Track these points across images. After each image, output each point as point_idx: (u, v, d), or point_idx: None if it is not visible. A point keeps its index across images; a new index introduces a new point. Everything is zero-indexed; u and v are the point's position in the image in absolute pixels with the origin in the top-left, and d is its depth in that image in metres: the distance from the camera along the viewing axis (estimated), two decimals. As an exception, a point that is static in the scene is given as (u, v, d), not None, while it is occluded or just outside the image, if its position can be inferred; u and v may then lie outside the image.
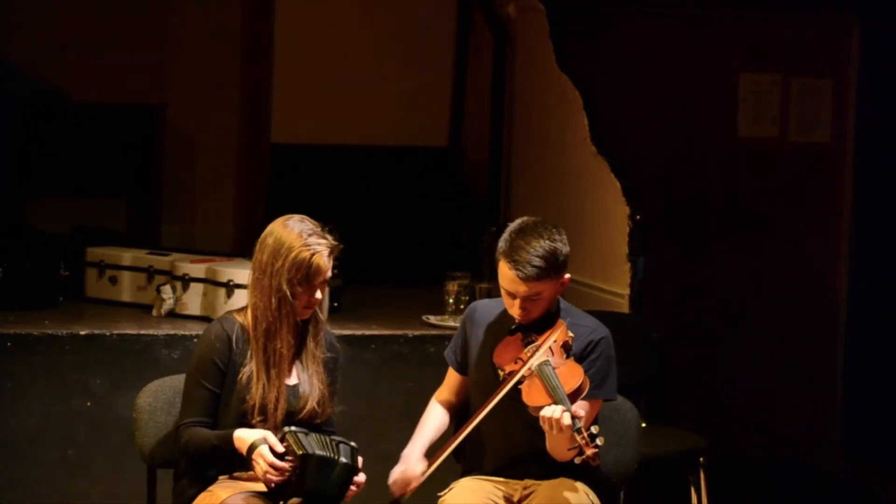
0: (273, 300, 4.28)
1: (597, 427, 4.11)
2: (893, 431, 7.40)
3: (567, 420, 4.09)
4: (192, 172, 7.88)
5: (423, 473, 4.45)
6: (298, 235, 4.28)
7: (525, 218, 4.40)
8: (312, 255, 4.26)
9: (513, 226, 4.37)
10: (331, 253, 4.32)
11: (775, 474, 7.42)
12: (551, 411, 4.11)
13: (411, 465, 4.47)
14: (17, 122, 7.30)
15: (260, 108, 7.87)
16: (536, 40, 7.14)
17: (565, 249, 4.34)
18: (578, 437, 4.09)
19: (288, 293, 4.26)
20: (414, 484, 4.44)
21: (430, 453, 4.53)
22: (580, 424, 4.10)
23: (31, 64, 7.51)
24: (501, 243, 4.35)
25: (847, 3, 7.61)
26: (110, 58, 7.67)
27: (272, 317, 4.29)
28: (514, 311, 4.37)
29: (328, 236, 4.33)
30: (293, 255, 4.26)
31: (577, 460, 4.12)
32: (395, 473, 4.47)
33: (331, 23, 8.03)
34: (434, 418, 4.60)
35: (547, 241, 4.31)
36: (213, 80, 7.86)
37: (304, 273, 4.26)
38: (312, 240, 4.28)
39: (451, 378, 4.62)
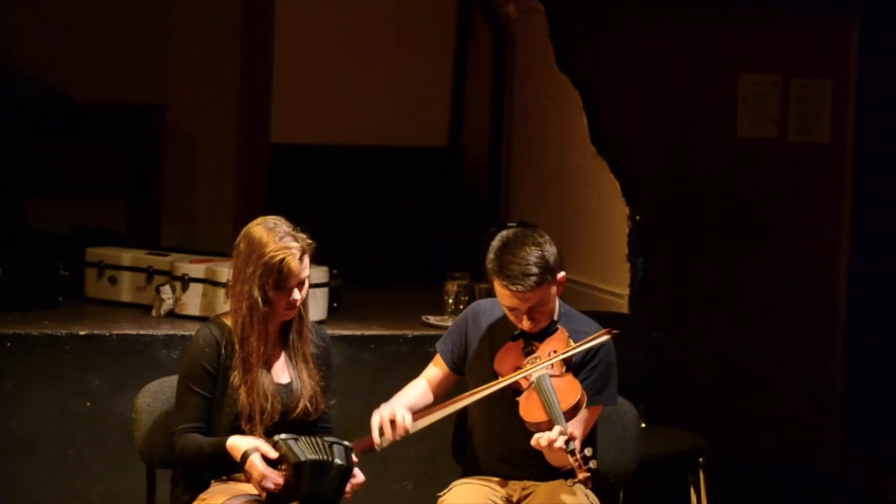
0: (244, 307, 4.24)
1: (590, 449, 4.08)
2: (893, 431, 7.39)
3: (560, 443, 4.06)
4: (192, 172, 7.87)
5: (413, 424, 4.28)
6: (270, 239, 4.22)
7: (503, 232, 4.37)
8: (283, 258, 4.20)
9: (495, 243, 4.33)
10: (304, 253, 4.26)
11: (775, 474, 7.42)
12: (546, 435, 4.08)
13: (399, 409, 4.30)
14: (17, 122, 7.30)
15: (260, 108, 7.87)
16: (536, 40, 7.14)
17: (553, 249, 4.32)
18: (572, 460, 4.05)
19: (259, 300, 4.21)
20: (400, 431, 4.26)
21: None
22: (574, 446, 4.06)
23: (31, 64, 7.51)
24: (490, 264, 4.32)
25: (847, 3, 7.60)
26: (110, 58, 7.66)
27: (243, 323, 4.26)
28: (524, 324, 4.34)
29: (301, 236, 4.28)
30: (264, 259, 4.20)
31: (570, 482, 4.09)
32: (383, 413, 4.28)
33: (331, 23, 8.04)
34: (418, 388, 4.52)
35: (533, 248, 4.28)
36: (213, 80, 7.86)
37: (276, 277, 4.21)
38: (283, 242, 4.22)
39: (438, 371, 4.57)
